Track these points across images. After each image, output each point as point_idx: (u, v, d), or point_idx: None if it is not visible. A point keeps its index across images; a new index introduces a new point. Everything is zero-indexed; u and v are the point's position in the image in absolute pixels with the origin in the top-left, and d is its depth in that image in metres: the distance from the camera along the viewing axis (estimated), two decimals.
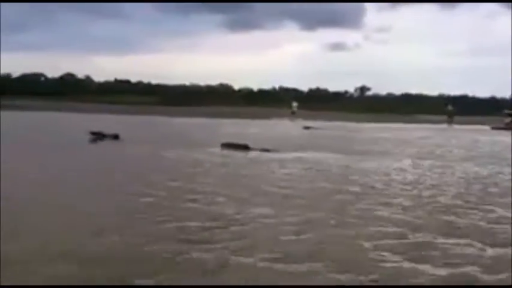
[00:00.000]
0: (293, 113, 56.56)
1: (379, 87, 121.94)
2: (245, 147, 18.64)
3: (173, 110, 58.82)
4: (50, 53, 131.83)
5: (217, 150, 18.43)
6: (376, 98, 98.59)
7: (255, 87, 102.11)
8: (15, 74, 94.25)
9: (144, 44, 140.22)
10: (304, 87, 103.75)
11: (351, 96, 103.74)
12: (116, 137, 21.42)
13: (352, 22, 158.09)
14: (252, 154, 17.57)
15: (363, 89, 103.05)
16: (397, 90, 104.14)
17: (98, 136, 21.46)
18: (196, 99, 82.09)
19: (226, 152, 18.00)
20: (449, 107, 56.01)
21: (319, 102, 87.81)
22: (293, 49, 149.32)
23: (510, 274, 5.35)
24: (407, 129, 42.36)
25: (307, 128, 36.56)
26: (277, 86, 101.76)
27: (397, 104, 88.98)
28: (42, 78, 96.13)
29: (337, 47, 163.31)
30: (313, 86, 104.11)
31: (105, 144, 20.03)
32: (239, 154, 17.24)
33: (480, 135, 34.74)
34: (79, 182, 11.09)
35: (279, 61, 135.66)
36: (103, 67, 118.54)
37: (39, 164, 13.67)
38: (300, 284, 4.76)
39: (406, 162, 16.49)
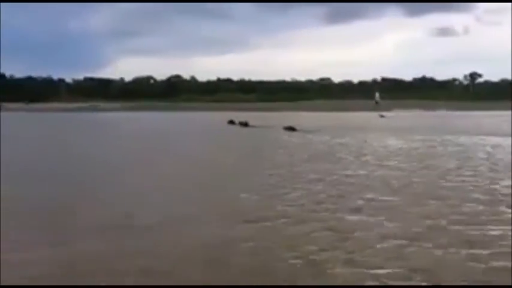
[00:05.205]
0: (376, 103, 57.07)
1: (492, 74, 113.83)
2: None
3: (275, 106, 60.19)
4: (157, 57, 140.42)
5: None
6: (488, 85, 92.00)
7: (356, 79, 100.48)
8: (127, 78, 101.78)
9: (245, 41, 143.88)
10: (409, 77, 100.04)
11: (460, 84, 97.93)
12: (245, 124, 28.41)
13: (461, 5, 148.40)
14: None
15: (473, 75, 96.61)
16: None
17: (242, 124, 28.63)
18: (296, 94, 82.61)
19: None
20: None
21: (424, 91, 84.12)
22: (396, 37, 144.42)
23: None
24: None
25: (382, 116, 38.61)
26: (379, 77, 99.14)
27: None
28: (152, 81, 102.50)
29: (445, 32, 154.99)
30: (419, 75, 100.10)
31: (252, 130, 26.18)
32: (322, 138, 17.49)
33: None
34: None
35: (382, 51, 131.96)
36: (206, 67, 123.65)
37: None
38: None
39: None
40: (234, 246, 5.49)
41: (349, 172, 10.75)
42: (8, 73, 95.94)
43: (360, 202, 7.65)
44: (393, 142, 18.13)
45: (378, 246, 5.47)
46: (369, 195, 8.11)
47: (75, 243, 5.67)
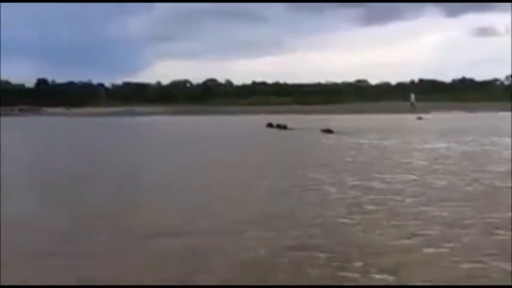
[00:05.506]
0: (412, 105, 55.55)
1: None
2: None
3: (310, 109, 60.09)
4: (193, 60, 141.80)
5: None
6: None
7: (394, 81, 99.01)
8: (164, 82, 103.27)
9: (280, 44, 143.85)
10: (448, 78, 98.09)
11: (501, 84, 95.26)
12: (284, 127, 28.90)
13: (502, 4, 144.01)
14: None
15: None
16: None
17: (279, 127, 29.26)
18: (332, 96, 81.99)
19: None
20: None
21: (463, 92, 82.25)
22: (435, 37, 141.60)
23: None
24: None
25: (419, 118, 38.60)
26: (416, 79, 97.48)
27: None
28: (188, 85, 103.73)
29: (485, 32, 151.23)
30: (458, 75, 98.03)
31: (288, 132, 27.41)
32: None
33: None
34: None
35: (420, 51, 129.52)
36: (241, 70, 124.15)
37: None
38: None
39: None
40: (308, 249, 5.55)
41: (409, 177, 10.57)
42: (50, 78, 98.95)
43: (431, 209, 7.54)
44: (440, 145, 17.80)
45: (464, 256, 5.41)
46: (441, 203, 7.96)
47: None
